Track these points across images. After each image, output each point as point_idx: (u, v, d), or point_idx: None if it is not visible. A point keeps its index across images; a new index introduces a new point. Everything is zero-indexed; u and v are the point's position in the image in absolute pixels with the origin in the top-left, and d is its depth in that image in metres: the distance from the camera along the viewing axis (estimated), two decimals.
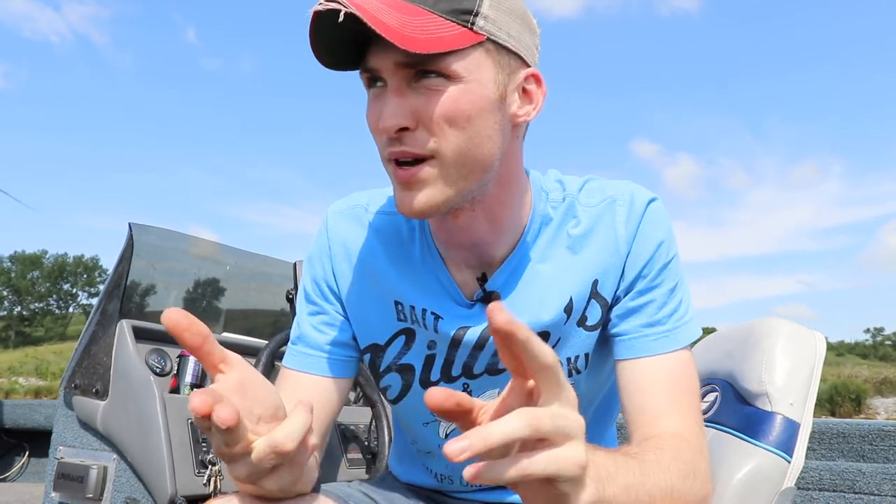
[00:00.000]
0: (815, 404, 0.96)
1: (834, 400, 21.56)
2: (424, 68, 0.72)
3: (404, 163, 0.75)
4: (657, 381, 0.81)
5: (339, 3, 0.67)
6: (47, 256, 76.89)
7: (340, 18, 0.66)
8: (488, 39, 0.74)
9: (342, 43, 0.72)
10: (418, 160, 0.74)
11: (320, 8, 0.68)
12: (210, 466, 1.81)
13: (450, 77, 0.72)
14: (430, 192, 0.75)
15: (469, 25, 0.73)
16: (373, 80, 0.75)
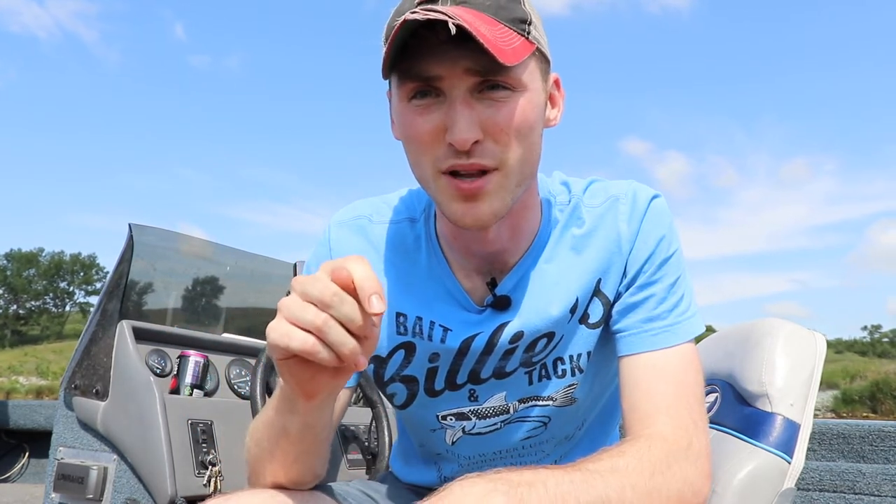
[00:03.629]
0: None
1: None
2: (493, 78, 0.71)
3: (466, 175, 0.73)
4: (653, 377, 0.81)
5: (442, 13, 0.66)
6: (44, 254, 76.19)
7: (453, 31, 0.65)
8: (537, 48, 0.75)
9: (395, 52, 0.71)
10: (482, 172, 0.73)
11: (419, 17, 0.66)
12: (210, 467, 1.82)
13: (515, 87, 0.72)
14: (494, 203, 0.74)
15: (526, 35, 0.73)
16: (422, 90, 0.73)
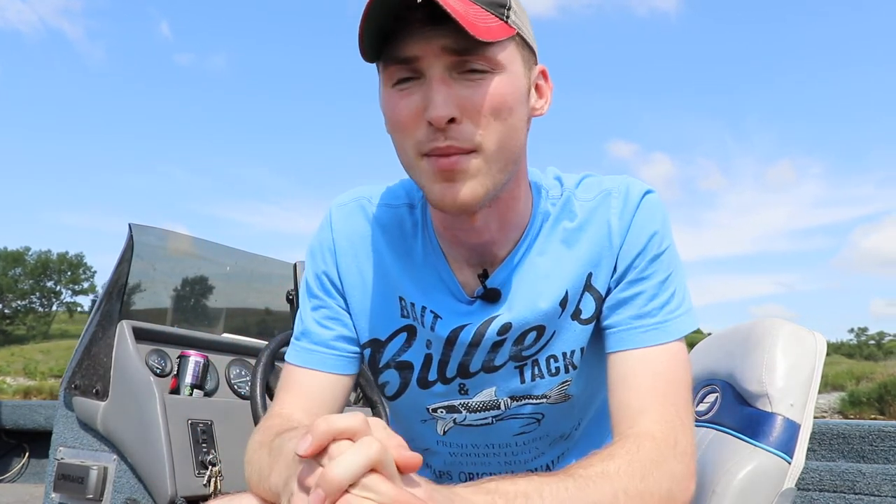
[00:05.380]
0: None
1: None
2: (470, 57, 0.72)
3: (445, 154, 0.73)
4: (641, 374, 0.81)
5: None
6: (30, 253, 74.75)
7: (418, 0, 0.66)
8: (517, 34, 0.75)
9: (372, 35, 0.71)
10: (458, 153, 0.73)
11: None
12: (210, 467, 1.82)
13: (493, 68, 0.73)
14: (474, 185, 0.74)
15: (505, 19, 0.74)
16: (405, 77, 0.74)
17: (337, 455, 0.53)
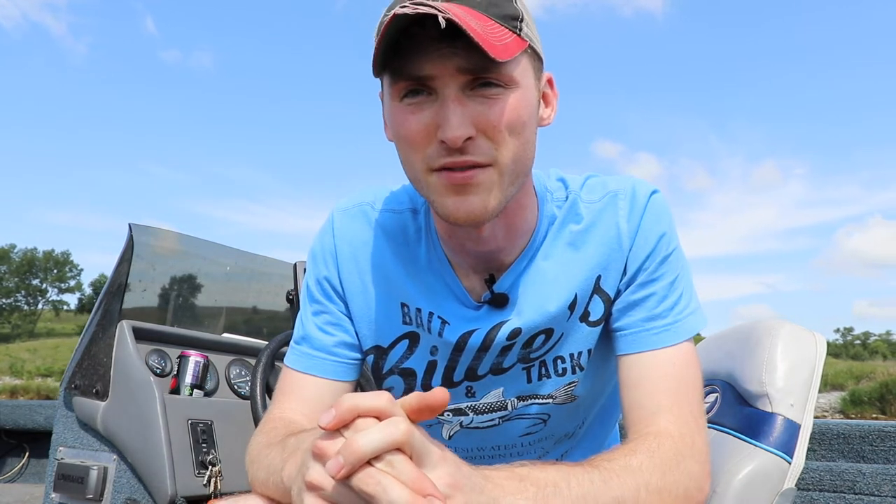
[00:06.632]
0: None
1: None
2: (485, 76, 0.71)
3: (458, 169, 0.73)
4: (655, 376, 0.81)
5: (432, 6, 0.66)
6: (15, 251, 73.08)
7: (442, 25, 0.65)
8: (529, 45, 0.74)
9: (383, 51, 0.70)
10: (475, 167, 0.72)
11: (408, 11, 0.65)
12: (210, 467, 1.82)
13: (507, 84, 0.72)
14: (486, 198, 0.74)
15: (518, 32, 0.73)
16: (413, 89, 0.72)
17: (363, 428, 0.53)
